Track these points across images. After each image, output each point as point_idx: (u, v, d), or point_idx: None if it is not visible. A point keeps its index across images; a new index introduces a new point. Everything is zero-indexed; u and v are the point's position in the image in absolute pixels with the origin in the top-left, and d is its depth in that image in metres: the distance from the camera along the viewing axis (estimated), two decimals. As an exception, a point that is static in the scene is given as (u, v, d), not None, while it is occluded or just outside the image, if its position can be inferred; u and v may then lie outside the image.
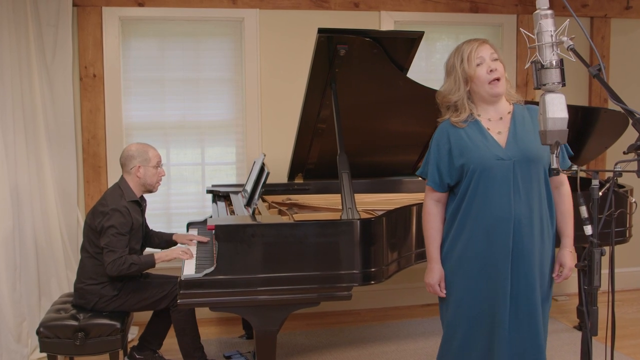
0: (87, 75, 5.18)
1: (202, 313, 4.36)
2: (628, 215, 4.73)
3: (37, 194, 4.85)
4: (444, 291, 2.93)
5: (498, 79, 2.78)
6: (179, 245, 4.37)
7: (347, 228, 3.46)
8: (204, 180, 5.59)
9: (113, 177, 5.13)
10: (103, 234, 3.90)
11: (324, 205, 4.55)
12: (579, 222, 2.56)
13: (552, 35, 2.40)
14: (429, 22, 5.72)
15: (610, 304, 2.52)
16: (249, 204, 4.13)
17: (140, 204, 4.19)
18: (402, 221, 3.77)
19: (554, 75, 2.42)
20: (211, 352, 4.63)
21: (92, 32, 5.16)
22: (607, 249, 2.57)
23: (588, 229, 2.49)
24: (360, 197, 4.42)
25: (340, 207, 3.69)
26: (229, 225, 3.41)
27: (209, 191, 5.14)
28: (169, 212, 5.56)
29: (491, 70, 2.77)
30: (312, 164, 4.97)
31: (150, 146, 4.22)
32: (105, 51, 5.21)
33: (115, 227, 3.90)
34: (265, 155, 4.41)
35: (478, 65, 2.78)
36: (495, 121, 2.85)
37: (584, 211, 2.48)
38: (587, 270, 2.53)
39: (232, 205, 4.60)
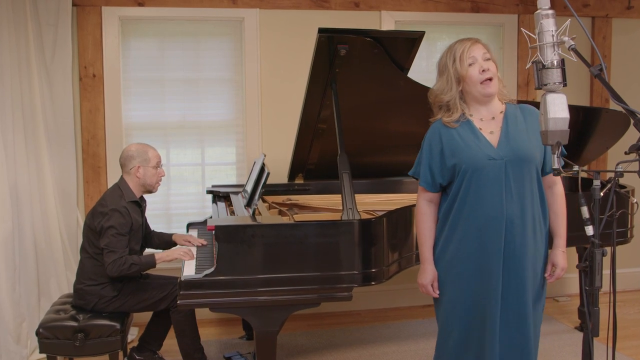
0: (87, 75, 5.17)
1: (202, 314, 4.35)
2: (629, 216, 4.72)
3: (37, 195, 4.84)
4: (437, 291, 2.93)
5: (490, 79, 2.78)
6: (178, 245, 4.36)
7: (347, 228, 3.45)
8: (204, 180, 5.58)
9: (113, 177, 5.13)
10: (103, 235, 3.90)
11: (324, 205, 4.54)
12: (579, 223, 2.55)
13: (553, 35, 2.40)
14: (429, 22, 5.71)
15: (611, 304, 2.51)
16: (249, 204, 4.12)
17: (140, 205, 4.18)
18: (403, 222, 3.76)
19: (555, 75, 2.41)
20: (211, 353, 4.62)
21: (92, 32, 5.15)
22: (608, 249, 2.56)
23: (589, 230, 2.48)
24: (360, 198, 4.41)
25: (340, 208, 3.69)
26: (229, 225, 3.40)
27: (209, 191, 5.13)
28: (169, 213, 5.55)
29: (483, 70, 2.77)
30: (312, 164, 4.96)
31: (150, 146, 4.21)
32: (105, 51, 5.20)
33: (115, 227, 3.89)
34: (265, 156, 4.40)
35: (470, 65, 2.78)
36: (488, 121, 2.84)
37: (585, 212, 2.48)
38: (588, 271, 2.52)
39: (232, 206, 4.59)
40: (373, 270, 3.49)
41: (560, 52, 2.41)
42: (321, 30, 3.78)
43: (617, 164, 2.44)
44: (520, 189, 2.76)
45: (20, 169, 4.66)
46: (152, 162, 4.14)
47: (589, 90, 6.09)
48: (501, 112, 2.86)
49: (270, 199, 4.79)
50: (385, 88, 4.29)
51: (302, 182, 5.10)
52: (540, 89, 2.46)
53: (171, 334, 4.20)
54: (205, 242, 4.21)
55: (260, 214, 4.04)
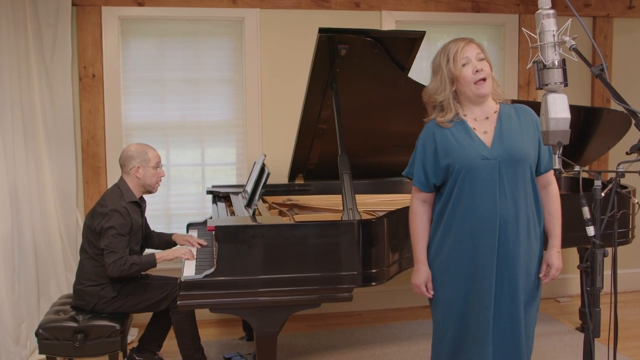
0: (87, 75, 5.16)
1: (202, 314, 4.34)
2: (631, 216, 4.71)
3: (36, 195, 4.83)
4: (431, 292, 2.93)
5: (484, 79, 2.78)
6: (179, 245, 4.36)
7: (348, 229, 3.44)
8: (204, 181, 5.58)
9: (112, 177, 5.12)
10: (103, 235, 3.89)
11: (324, 206, 4.53)
12: (580, 223, 2.54)
13: (554, 35, 2.39)
14: (430, 21, 5.70)
15: (612, 305, 2.50)
16: (249, 204, 4.11)
17: (139, 205, 4.17)
18: (404, 222, 3.73)
19: (556, 75, 2.41)
20: (211, 353, 4.61)
21: (92, 32, 5.14)
22: (609, 250, 2.56)
23: (590, 230, 2.48)
24: (361, 198, 4.41)
25: (341, 208, 3.68)
26: (229, 226, 3.40)
27: (209, 192, 5.12)
28: (169, 213, 5.54)
29: (477, 71, 2.77)
30: (312, 165, 4.95)
31: (150, 147, 4.20)
32: (104, 51, 5.19)
33: (115, 228, 3.88)
34: (265, 156, 4.39)
35: (464, 65, 2.78)
36: (482, 121, 2.84)
37: (586, 212, 2.47)
38: (589, 272, 2.52)
39: (232, 206, 4.59)
40: (373, 270, 3.49)
41: (561, 52, 2.40)
42: (321, 30, 3.77)
43: (618, 164, 2.44)
44: (514, 189, 2.76)
45: (19, 169, 4.66)
46: (151, 163, 4.13)
47: (590, 90, 6.08)
48: (495, 112, 2.86)
49: (270, 199, 4.78)
50: (385, 88, 4.28)
51: (302, 182, 5.09)
52: (541, 89, 2.45)
53: (171, 334, 4.20)
54: (205, 243, 4.20)
55: (260, 214, 4.03)
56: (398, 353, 4.75)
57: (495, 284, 2.75)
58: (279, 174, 5.00)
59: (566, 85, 2.44)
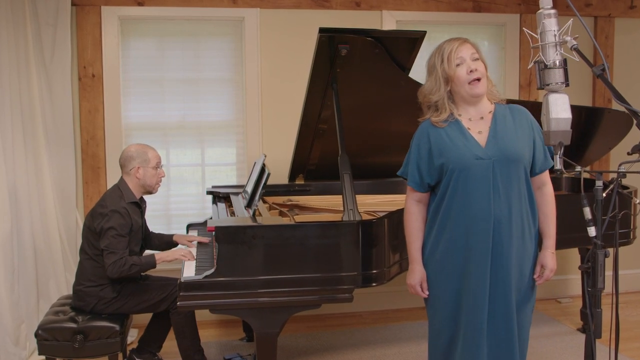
0: (86, 75, 5.15)
1: (202, 315, 4.33)
2: (632, 217, 4.70)
3: (36, 195, 4.82)
4: (426, 292, 2.93)
5: (478, 79, 2.77)
6: (179, 245, 4.34)
7: (348, 229, 3.44)
8: (204, 181, 5.57)
9: (112, 178, 5.11)
10: (103, 236, 3.88)
11: (325, 206, 4.52)
12: (582, 224, 2.53)
13: (555, 35, 2.39)
14: (431, 21, 5.69)
15: (614, 306, 2.50)
16: (249, 205, 4.10)
17: (139, 206, 4.17)
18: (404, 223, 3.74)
19: (557, 75, 2.41)
20: (211, 354, 4.60)
21: (91, 32, 5.14)
22: (611, 250, 2.55)
23: (592, 231, 2.47)
24: (361, 198, 4.40)
25: (341, 209, 3.67)
26: (229, 226, 3.39)
27: (209, 192, 5.12)
28: (169, 214, 5.53)
29: (471, 71, 2.76)
30: (313, 165, 4.95)
31: (150, 147, 4.19)
32: (104, 51, 5.18)
33: (115, 228, 3.87)
34: (265, 156, 4.38)
35: (458, 65, 2.78)
36: (476, 121, 2.84)
37: (587, 213, 2.47)
38: (590, 272, 2.51)
39: (232, 207, 4.58)
40: (374, 271, 3.49)
41: (562, 52, 2.40)
42: (322, 30, 3.77)
43: (620, 165, 2.44)
44: (508, 188, 2.75)
45: (19, 169, 4.65)
46: (151, 163, 4.12)
47: (592, 91, 6.07)
48: (490, 112, 2.85)
49: (270, 199, 4.77)
50: (386, 88, 4.27)
51: (302, 182, 5.08)
52: (543, 89, 2.45)
53: (171, 335, 4.19)
54: (207, 240, 4.19)
55: (260, 214, 4.02)
56: (399, 354, 4.74)
57: (489, 283, 2.75)
58: (279, 175, 4.99)
59: (567, 85, 2.43)
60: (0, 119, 4.42)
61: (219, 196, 5.00)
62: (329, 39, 3.82)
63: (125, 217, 3.94)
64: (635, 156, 2.34)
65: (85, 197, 5.22)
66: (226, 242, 3.31)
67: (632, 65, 6.13)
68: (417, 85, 4.14)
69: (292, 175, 5.02)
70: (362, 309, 5.74)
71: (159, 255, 3.99)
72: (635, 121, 2.30)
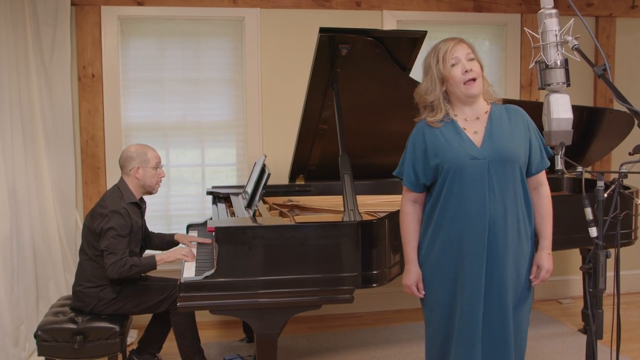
0: (86, 75, 5.15)
1: (202, 316, 4.33)
2: (634, 217, 4.69)
3: (35, 196, 4.82)
4: (422, 292, 2.93)
5: (474, 80, 2.76)
6: (180, 245, 4.33)
7: (348, 230, 3.43)
8: (204, 181, 5.56)
9: (112, 178, 5.10)
10: (103, 237, 3.87)
11: (325, 207, 4.51)
12: (583, 224, 2.52)
13: (556, 35, 2.38)
14: (432, 21, 5.68)
15: (615, 306, 2.49)
16: (249, 205, 4.09)
17: (139, 206, 4.16)
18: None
19: (558, 75, 2.40)
20: (211, 355, 4.60)
21: (91, 32, 5.13)
22: (612, 251, 2.54)
23: (593, 231, 2.46)
24: (362, 199, 4.39)
25: (342, 209, 3.66)
26: (229, 227, 3.39)
27: (209, 192, 5.11)
28: (169, 214, 5.52)
29: (466, 71, 2.75)
30: (313, 165, 4.94)
31: (150, 147, 4.18)
32: (104, 51, 5.18)
33: (115, 229, 3.86)
34: (266, 157, 4.37)
35: (453, 65, 2.77)
36: (472, 121, 2.83)
37: (589, 213, 2.46)
38: (592, 273, 2.51)
39: (232, 207, 4.57)
40: (374, 272, 3.48)
41: (563, 51, 2.39)
42: (322, 30, 3.75)
43: (621, 165, 2.43)
44: (504, 189, 2.75)
45: (18, 170, 4.64)
46: (151, 163, 4.11)
47: (593, 91, 6.06)
48: (486, 112, 2.85)
49: (271, 200, 4.77)
50: (387, 88, 4.26)
51: (303, 183, 5.07)
52: (544, 89, 2.45)
53: (171, 336, 4.18)
54: (209, 241, 4.18)
55: (260, 215, 4.01)
56: (399, 355, 4.73)
57: (485, 284, 2.75)
58: (280, 175, 4.98)
59: (569, 85, 2.43)
60: (0, 120, 4.41)
61: (219, 197, 5.00)
62: (329, 38, 3.81)
63: (126, 217, 3.94)
64: (636, 156, 2.34)
65: (84, 198, 5.22)
66: (226, 243, 3.31)
67: (633, 65, 6.12)
68: (418, 85, 4.16)
69: (293, 176, 5.02)
70: (363, 310, 5.73)
71: (159, 256, 3.99)
72: (636, 121, 2.30)
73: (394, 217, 3.63)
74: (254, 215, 3.89)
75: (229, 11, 5.36)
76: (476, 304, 2.74)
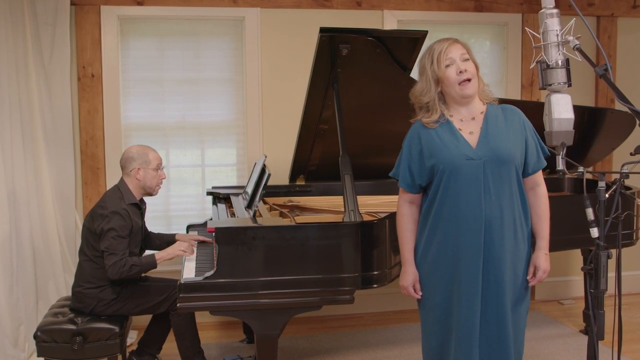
0: (85, 75, 5.14)
1: (202, 317, 4.32)
2: (635, 218, 4.68)
3: (35, 196, 4.81)
4: (419, 293, 2.92)
5: (469, 80, 2.75)
6: (178, 242, 4.33)
7: (349, 230, 3.42)
8: (204, 182, 5.55)
9: (111, 178, 5.09)
10: (103, 237, 3.86)
11: (326, 207, 4.50)
12: (584, 225, 2.51)
13: (557, 35, 2.38)
14: (432, 21, 5.67)
15: (617, 307, 2.49)
16: (249, 206, 4.09)
17: (140, 207, 4.15)
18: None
19: (559, 75, 2.40)
20: (211, 356, 4.59)
21: (91, 31, 5.12)
22: (613, 251, 2.54)
23: (594, 232, 2.46)
24: (362, 199, 4.38)
25: (342, 210, 3.66)
26: (229, 227, 3.38)
27: (209, 193, 5.11)
28: (169, 215, 5.52)
29: (461, 72, 2.75)
30: (314, 166, 4.93)
31: (151, 148, 4.17)
32: (103, 51, 5.17)
33: (115, 229, 3.85)
34: (266, 157, 4.37)
35: (447, 66, 2.77)
36: (468, 121, 2.83)
37: (590, 213, 2.45)
38: (593, 274, 2.51)
39: (232, 208, 4.56)
40: (375, 272, 3.47)
41: (564, 51, 2.39)
42: (323, 30, 3.75)
43: (623, 165, 2.43)
44: (499, 189, 2.74)
45: (18, 170, 4.63)
46: (152, 164, 4.10)
47: (594, 91, 6.05)
48: (482, 112, 2.84)
49: (271, 200, 4.76)
50: (387, 88, 4.25)
51: (303, 183, 5.07)
52: (545, 89, 2.44)
53: (171, 337, 4.17)
54: (210, 240, 4.17)
55: (261, 215, 4.00)
56: (400, 356, 4.72)
57: (482, 284, 2.74)
58: (280, 175, 4.98)
59: (570, 85, 2.42)
60: (-1, 120, 4.41)
61: (219, 197, 4.99)
62: (329, 38, 3.80)
63: (126, 218, 3.93)
64: (638, 157, 2.34)
65: (84, 198, 5.21)
66: (226, 243, 3.30)
67: (635, 66, 6.11)
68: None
69: (293, 176, 5.01)
70: (363, 311, 5.73)
71: (158, 254, 3.98)
72: (638, 121, 2.29)
73: (394, 218, 3.62)
74: (254, 215, 3.88)
75: (229, 11, 5.35)
76: (474, 305, 2.73)
